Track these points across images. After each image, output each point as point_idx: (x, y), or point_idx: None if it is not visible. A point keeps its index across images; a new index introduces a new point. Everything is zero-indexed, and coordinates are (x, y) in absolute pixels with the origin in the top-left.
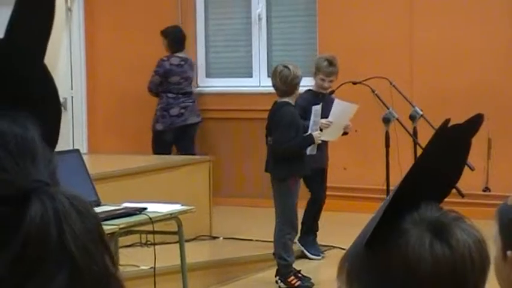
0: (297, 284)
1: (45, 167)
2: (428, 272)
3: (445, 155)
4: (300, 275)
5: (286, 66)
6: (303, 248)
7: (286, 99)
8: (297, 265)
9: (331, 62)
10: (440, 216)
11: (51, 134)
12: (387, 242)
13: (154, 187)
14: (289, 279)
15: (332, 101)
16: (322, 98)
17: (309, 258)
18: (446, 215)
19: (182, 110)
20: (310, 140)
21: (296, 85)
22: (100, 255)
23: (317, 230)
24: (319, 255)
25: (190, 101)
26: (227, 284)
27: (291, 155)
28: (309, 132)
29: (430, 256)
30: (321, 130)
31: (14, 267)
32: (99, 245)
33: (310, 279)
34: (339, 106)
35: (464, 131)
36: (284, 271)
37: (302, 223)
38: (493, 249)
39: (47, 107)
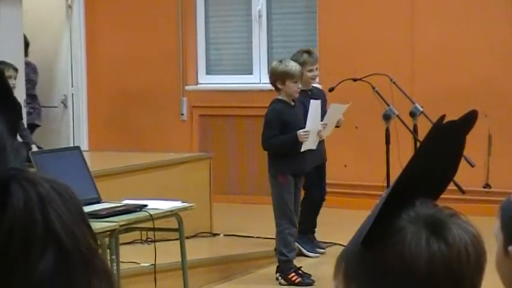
0: (297, 281)
1: (15, 158)
2: (425, 268)
3: (440, 151)
4: (300, 272)
5: (280, 61)
6: (300, 246)
7: (277, 96)
8: (297, 262)
9: (309, 51)
10: (436, 212)
11: (12, 126)
12: (384, 240)
13: (155, 184)
14: (290, 276)
15: (319, 93)
16: (312, 93)
17: (306, 256)
18: (442, 212)
19: (31, 110)
20: (293, 138)
21: (278, 80)
22: (83, 234)
23: (315, 227)
24: (315, 253)
25: (37, 104)
26: (227, 281)
27: (276, 152)
28: (306, 128)
29: (427, 253)
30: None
31: (1, 253)
32: (82, 224)
33: (310, 275)
34: (333, 109)
35: (459, 127)
36: (284, 267)
37: (299, 223)
38: (494, 245)
39: (6, 102)
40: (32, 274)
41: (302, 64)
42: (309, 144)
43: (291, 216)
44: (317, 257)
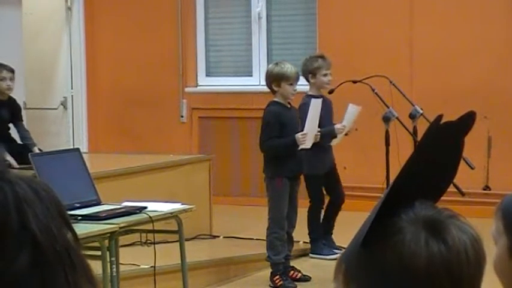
0: (279, 284)
1: None
2: (424, 269)
3: (437, 152)
4: (284, 277)
5: (276, 63)
6: (317, 255)
7: (274, 98)
8: (298, 263)
9: (322, 56)
10: (435, 214)
11: None
12: (383, 240)
13: (155, 186)
14: (274, 278)
15: (328, 102)
16: (323, 99)
17: (328, 260)
18: (441, 213)
19: None
20: (291, 141)
21: (273, 82)
22: (61, 231)
23: (331, 229)
24: (334, 254)
25: None
26: (227, 283)
27: (273, 155)
28: (305, 130)
29: (426, 253)
30: (335, 137)
31: None
32: (59, 221)
33: (310, 278)
34: (350, 110)
35: (456, 129)
36: (272, 270)
37: (309, 233)
38: (491, 247)
39: None
40: (9, 270)
41: (317, 69)
42: (305, 143)
43: (281, 221)
44: (335, 259)
